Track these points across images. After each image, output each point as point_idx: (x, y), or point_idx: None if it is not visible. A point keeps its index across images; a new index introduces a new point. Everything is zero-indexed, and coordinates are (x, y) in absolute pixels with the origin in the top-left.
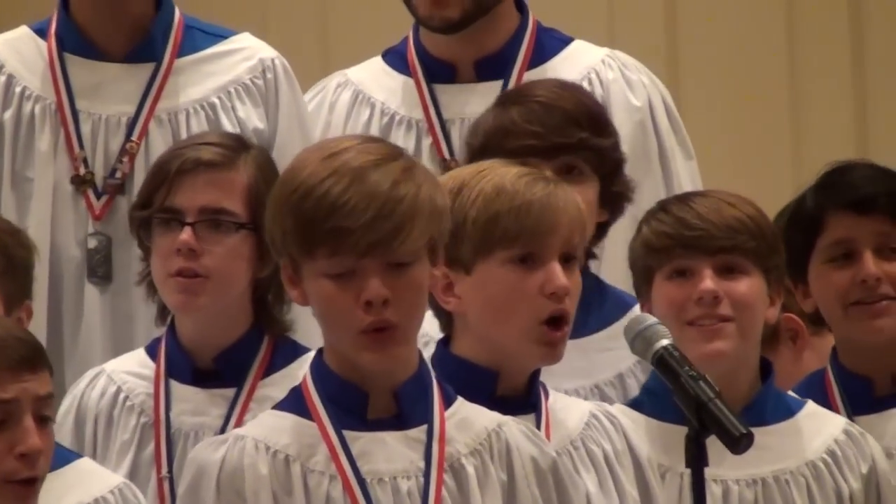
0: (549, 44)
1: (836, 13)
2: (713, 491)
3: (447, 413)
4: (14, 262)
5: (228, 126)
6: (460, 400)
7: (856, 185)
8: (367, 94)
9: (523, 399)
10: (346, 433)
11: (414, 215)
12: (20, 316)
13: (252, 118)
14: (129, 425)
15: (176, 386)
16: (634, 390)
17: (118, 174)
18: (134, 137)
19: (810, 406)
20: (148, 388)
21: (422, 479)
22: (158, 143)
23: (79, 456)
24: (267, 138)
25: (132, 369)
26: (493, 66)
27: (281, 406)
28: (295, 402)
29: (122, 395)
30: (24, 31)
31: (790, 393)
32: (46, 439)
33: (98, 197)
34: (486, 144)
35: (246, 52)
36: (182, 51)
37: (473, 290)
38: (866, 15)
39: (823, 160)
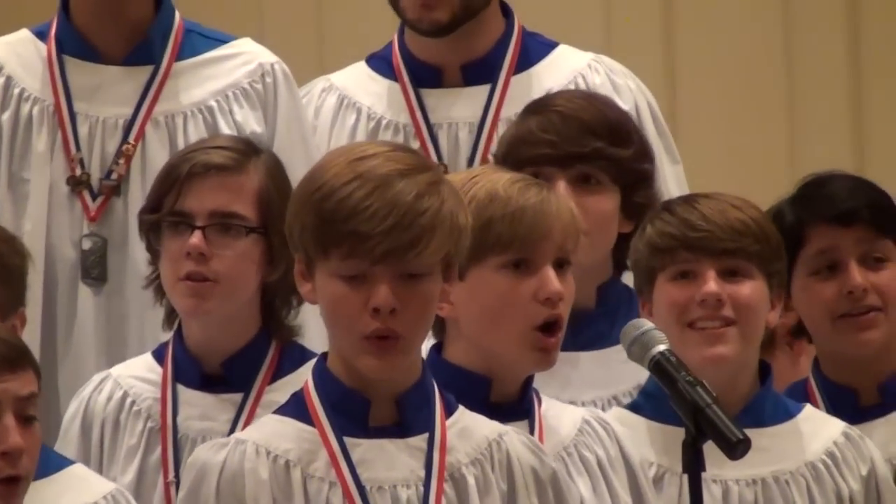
0: (535, 48)
1: (832, 13)
2: (713, 491)
3: (448, 422)
4: (9, 269)
5: (226, 129)
6: (461, 409)
7: (837, 198)
8: (353, 99)
9: (516, 405)
10: (347, 440)
11: (433, 229)
12: (14, 323)
13: (250, 122)
14: (136, 430)
15: (183, 391)
16: None
17: (114, 176)
18: (131, 140)
19: (809, 409)
20: (155, 393)
21: (422, 488)
22: (155, 146)
23: (71, 462)
24: (265, 142)
25: (139, 374)
26: (479, 71)
27: (282, 411)
28: (296, 408)
29: (128, 400)
30: (24, 33)
31: None
32: (30, 439)
33: (94, 198)
34: (506, 154)
35: (245, 56)
36: (181, 54)
37: (466, 296)
38: (863, 16)
39: (820, 162)
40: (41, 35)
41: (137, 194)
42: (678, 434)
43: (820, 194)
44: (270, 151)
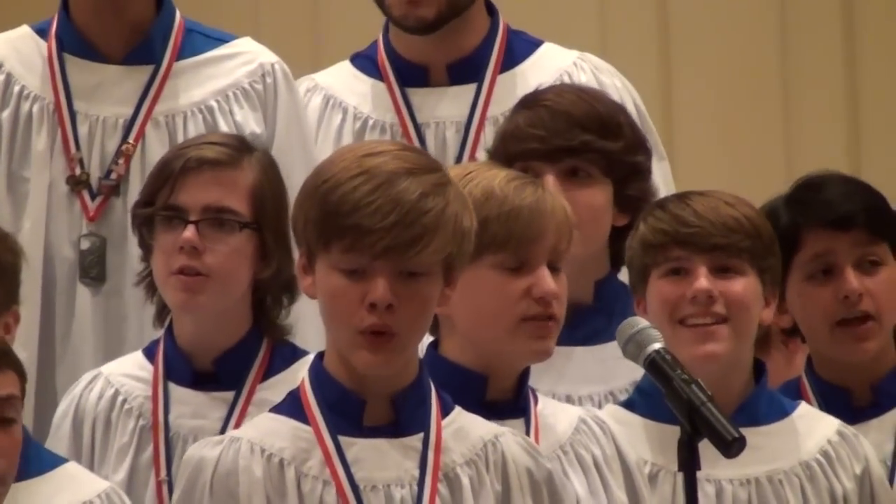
0: (520, 46)
1: (828, 11)
2: (706, 490)
3: (444, 422)
4: (2, 267)
5: (225, 129)
6: (458, 409)
7: (833, 203)
8: (339, 99)
9: (512, 403)
10: (342, 439)
11: (436, 229)
12: (7, 321)
13: (249, 122)
14: (128, 428)
15: (174, 389)
16: None
17: (113, 175)
18: (130, 139)
19: (804, 407)
20: (146, 391)
21: (416, 488)
22: (155, 146)
23: (65, 460)
24: (264, 143)
25: (130, 372)
26: (465, 69)
27: (278, 409)
28: (292, 406)
29: (120, 398)
30: (24, 30)
31: None
32: (8, 440)
33: (93, 198)
34: (496, 149)
35: (246, 56)
36: (181, 54)
37: (460, 294)
38: (858, 15)
39: (815, 161)
40: (42, 32)
41: (137, 194)
42: (673, 432)
43: (816, 198)
44: (264, 149)
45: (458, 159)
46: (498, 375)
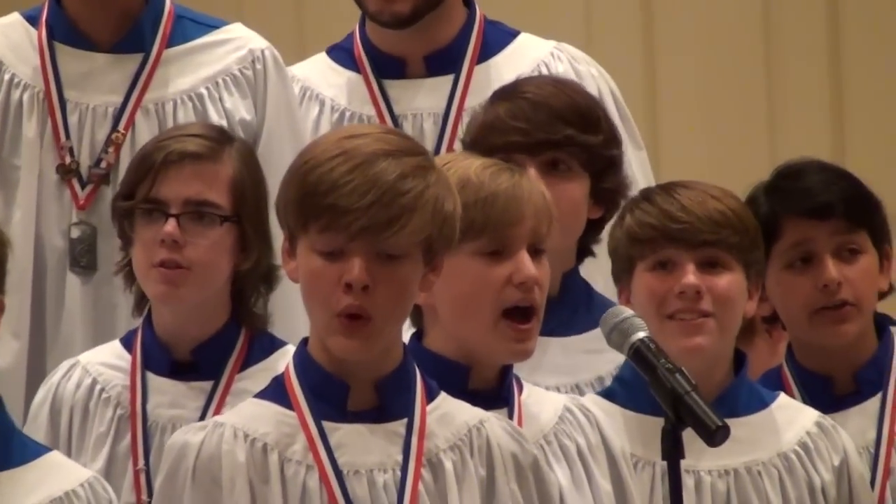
0: (497, 37)
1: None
2: (685, 482)
3: (429, 408)
4: None
5: (215, 117)
6: (443, 395)
7: (812, 191)
8: (315, 91)
9: (495, 393)
10: (326, 424)
11: (413, 210)
12: None
13: (239, 109)
14: (106, 417)
15: (152, 378)
16: None
17: (103, 164)
18: (120, 128)
19: (783, 398)
20: (124, 380)
21: (399, 473)
22: (145, 134)
23: (49, 449)
24: (254, 129)
25: (108, 361)
26: (442, 61)
27: (262, 395)
28: (276, 392)
29: (97, 387)
30: (15, 17)
31: None
32: None
33: (83, 186)
34: (474, 140)
35: (236, 42)
36: (172, 41)
37: (441, 283)
38: (842, 3)
39: (799, 148)
40: (32, 20)
41: None
42: (653, 423)
43: (795, 187)
44: (243, 140)
45: (437, 151)
46: (480, 366)
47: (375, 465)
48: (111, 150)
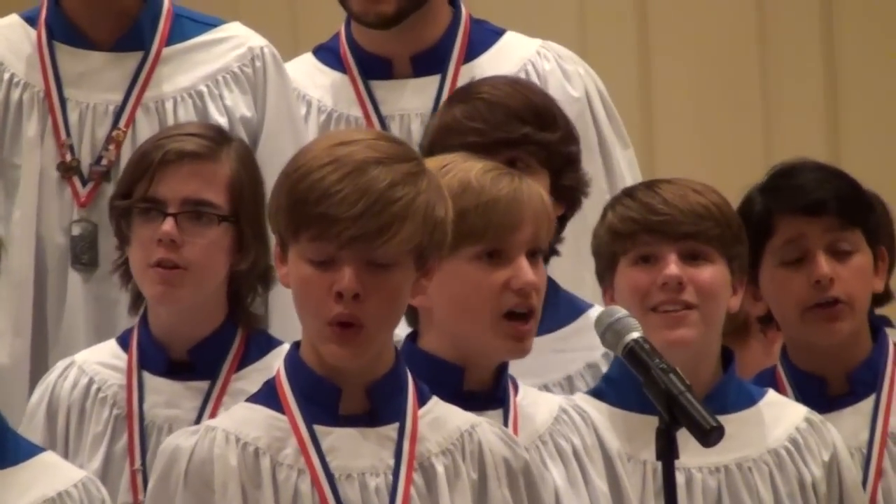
0: (483, 37)
1: (807, 0)
2: (676, 480)
3: (421, 412)
4: None
5: (216, 114)
6: (435, 399)
7: (805, 188)
8: (302, 91)
9: (491, 393)
10: (318, 428)
11: (404, 219)
12: None
13: (239, 106)
14: (102, 417)
15: (149, 378)
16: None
17: (104, 161)
18: (121, 125)
19: (771, 395)
20: (120, 380)
21: (390, 477)
22: (145, 131)
23: (42, 449)
24: (254, 127)
25: (104, 360)
26: (429, 61)
27: (254, 399)
28: (267, 395)
29: (94, 387)
30: (14, 18)
31: None
32: None
33: (84, 184)
34: (432, 143)
35: (235, 40)
36: (170, 39)
37: (439, 286)
38: (837, 4)
39: (794, 149)
40: (31, 20)
41: None
42: (641, 421)
43: (788, 185)
44: (241, 139)
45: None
46: (476, 367)
47: (367, 469)
48: (112, 147)
